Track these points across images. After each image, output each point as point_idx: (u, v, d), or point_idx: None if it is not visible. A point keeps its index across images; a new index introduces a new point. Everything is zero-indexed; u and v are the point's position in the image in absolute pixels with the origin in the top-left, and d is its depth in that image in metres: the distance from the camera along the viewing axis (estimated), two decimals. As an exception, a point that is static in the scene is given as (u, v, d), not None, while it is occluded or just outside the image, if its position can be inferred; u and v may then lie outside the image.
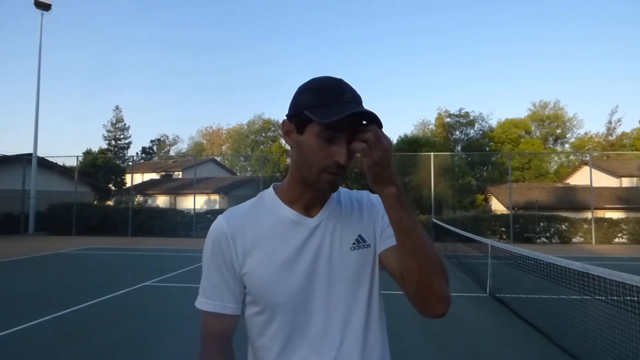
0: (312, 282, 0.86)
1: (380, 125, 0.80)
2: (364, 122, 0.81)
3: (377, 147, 0.76)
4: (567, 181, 28.55)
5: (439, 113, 40.33)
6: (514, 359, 3.83)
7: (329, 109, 0.78)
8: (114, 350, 3.91)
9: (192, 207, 18.21)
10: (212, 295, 0.88)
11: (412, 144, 26.56)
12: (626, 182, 23.83)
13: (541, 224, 15.66)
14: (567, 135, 42.71)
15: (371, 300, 0.91)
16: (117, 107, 38.29)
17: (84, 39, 70.43)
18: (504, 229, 15.86)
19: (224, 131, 54.31)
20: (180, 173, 32.93)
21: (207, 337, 0.88)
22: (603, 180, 22.59)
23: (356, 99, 0.83)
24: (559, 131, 42.35)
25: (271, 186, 0.97)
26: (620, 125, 42.78)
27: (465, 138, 40.50)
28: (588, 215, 15.98)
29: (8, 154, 19.21)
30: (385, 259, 0.91)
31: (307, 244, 0.88)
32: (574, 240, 15.41)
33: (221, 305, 0.87)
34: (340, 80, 0.86)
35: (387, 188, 0.79)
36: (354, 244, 0.91)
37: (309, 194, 0.89)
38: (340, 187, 0.99)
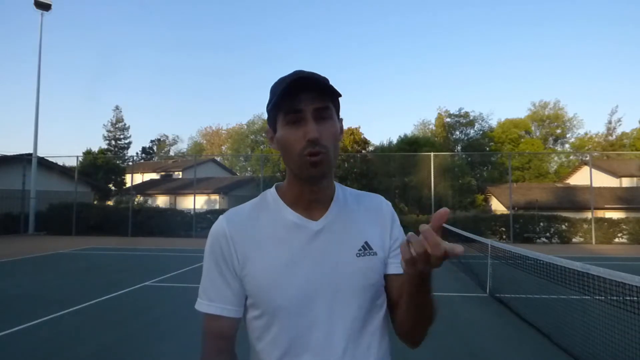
0: (314, 288, 0.83)
1: (337, 94, 0.83)
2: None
3: (430, 263, 0.63)
4: (567, 181, 28.55)
5: (439, 113, 40.41)
6: (514, 359, 3.83)
7: (280, 90, 0.79)
8: (114, 350, 3.91)
9: (192, 207, 18.22)
10: (212, 297, 0.86)
11: (412, 144, 26.57)
12: (626, 182, 23.83)
13: (541, 224, 15.66)
14: (567, 135, 42.79)
15: (376, 308, 0.88)
16: (117, 107, 38.50)
17: (84, 39, 70.59)
18: (504, 229, 15.86)
19: (223, 131, 54.36)
20: (180, 173, 32.93)
21: (209, 338, 0.87)
22: (603, 180, 22.60)
23: (313, 77, 0.81)
24: (559, 131, 42.38)
25: (273, 186, 0.95)
26: (620, 125, 42.92)
27: (465, 138, 40.55)
28: (588, 215, 15.98)
29: (8, 154, 19.23)
30: (387, 281, 0.91)
31: (309, 248, 0.85)
32: (574, 240, 15.41)
33: (222, 307, 0.85)
34: (298, 70, 0.84)
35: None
36: (359, 250, 0.87)
37: (308, 192, 0.87)
38: (348, 188, 0.98)
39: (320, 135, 0.80)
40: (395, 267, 0.92)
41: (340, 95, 0.84)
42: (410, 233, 0.66)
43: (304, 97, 0.79)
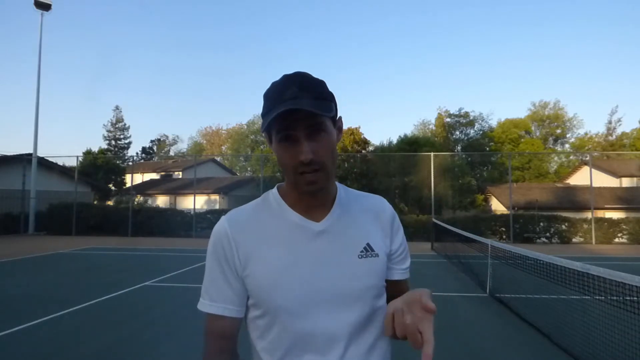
0: (316, 289, 0.83)
1: (331, 113, 0.81)
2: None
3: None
4: (567, 181, 28.56)
5: (439, 113, 40.43)
6: (514, 359, 3.83)
7: (270, 114, 0.78)
8: (114, 351, 3.91)
9: (192, 207, 18.21)
10: (214, 297, 0.86)
11: (412, 144, 26.59)
12: (626, 182, 23.84)
13: (541, 224, 15.65)
14: (567, 135, 42.81)
15: (377, 309, 0.88)
16: (117, 107, 38.53)
17: (84, 39, 70.55)
18: (504, 229, 15.85)
19: (223, 131, 54.36)
20: (180, 173, 32.93)
21: (211, 337, 0.88)
22: (603, 180, 22.62)
23: (304, 89, 0.79)
24: (559, 131, 42.39)
25: (275, 187, 0.95)
26: (620, 125, 42.93)
27: (465, 138, 40.57)
28: (588, 215, 15.98)
29: (8, 154, 19.22)
30: (387, 283, 0.93)
31: (311, 249, 0.85)
32: (574, 240, 15.41)
33: (224, 307, 0.85)
34: (290, 76, 0.82)
35: None
36: (361, 252, 0.88)
37: (307, 199, 0.87)
38: (350, 189, 0.98)
39: (315, 152, 0.80)
40: (398, 274, 0.96)
41: (332, 114, 0.82)
42: (394, 308, 0.70)
43: (295, 116, 0.78)
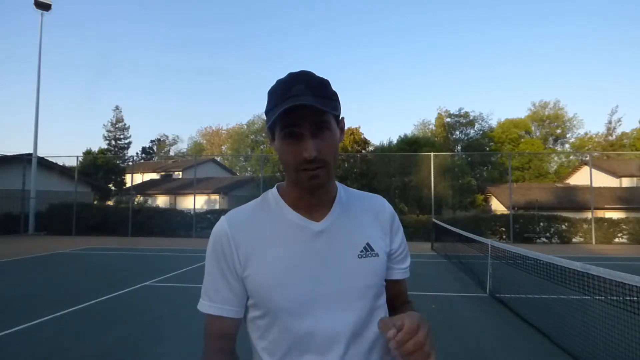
0: (316, 290, 0.83)
1: (335, 111, 0.82)
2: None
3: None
4: (567, 181, 28.56)
5: (439, 113, 40.44)
6: (514, 359, 3.83)
7: (276, 110, 0.78)
8: (114, 351, 3.91)
9: (192, 207, 18.21)
10: (214, 297, 0.86)
11: (412, 144, 26.62)
12: (626, 182, 23.84)
13: (541, 224, 15.65)
14: (567, 135, 42.81)
15: (377, 308, 0.88)
16: (117, 107, 38.48)
17: (84, 39, 70.56)
18: (504, 229, 15.85)
19: (223, 131, 54.34)
20: (180, 173, 32.92)
21: (210, 337, 0.88)
22: (603, 180, 22.61)
23: (310, 87, 0.79)
24: (559, 131, 42.39)
25: (275, 186, 0.95)
26: (620, 125, 42.84)
27: (465, 138, 40.58)
28: (588, 215, 15.98)
29: (8, 154, 19.23)
30: (387, 283, 0.94)
31: (311, 249, 0.85)
32: (574, 240, 15.40)
33: (223, 308, 0.85)
34: (296, 74, 0.82)
35: None
36: (361, 251, 0.87)
37: (308, 197, 0.87)
38: (350, 189, 0.99)
39: (319, 150, 0.79)
40: (398, 274, 0.96)
41: (337, 113, 0.84)
42: (390, 337, 0.71)
43: (301, 113, 0.78)
